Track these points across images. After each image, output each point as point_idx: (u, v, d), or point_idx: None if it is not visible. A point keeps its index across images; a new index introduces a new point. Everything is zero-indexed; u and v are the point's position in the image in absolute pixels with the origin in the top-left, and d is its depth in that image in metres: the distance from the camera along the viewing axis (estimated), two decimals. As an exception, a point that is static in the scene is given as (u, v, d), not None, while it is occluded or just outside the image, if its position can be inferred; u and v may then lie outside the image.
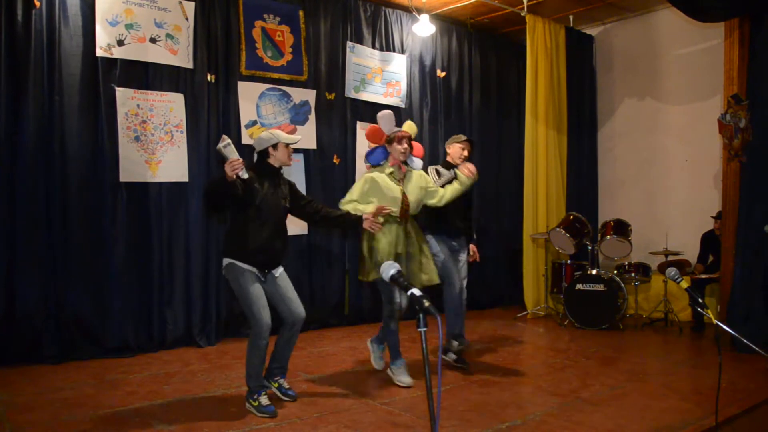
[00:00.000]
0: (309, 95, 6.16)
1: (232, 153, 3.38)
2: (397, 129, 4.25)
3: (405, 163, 4.28)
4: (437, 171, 4.79)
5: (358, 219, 3.94)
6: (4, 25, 4.58)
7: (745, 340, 3.01)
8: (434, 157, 7.23)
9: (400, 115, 6.90)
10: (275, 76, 5.94)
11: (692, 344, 5.81)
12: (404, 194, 4.17)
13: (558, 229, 6.47)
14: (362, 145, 6.56)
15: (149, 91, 5.20)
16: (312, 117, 6.17)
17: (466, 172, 4.43)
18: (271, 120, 5.91)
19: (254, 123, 5.82)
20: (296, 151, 6.03)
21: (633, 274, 6.51)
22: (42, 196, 4.73)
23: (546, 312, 7.12)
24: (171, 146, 5.29)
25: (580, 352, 5.32)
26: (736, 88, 5.57)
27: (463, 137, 4.85)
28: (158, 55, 5.22)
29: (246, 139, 5.72)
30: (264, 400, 3.60)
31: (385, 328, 4.22)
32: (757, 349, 2.96)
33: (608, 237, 6.44)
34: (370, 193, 4.16)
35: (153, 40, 5.20)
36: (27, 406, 3.69)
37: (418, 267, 4.21)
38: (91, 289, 4.91)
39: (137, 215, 5.15)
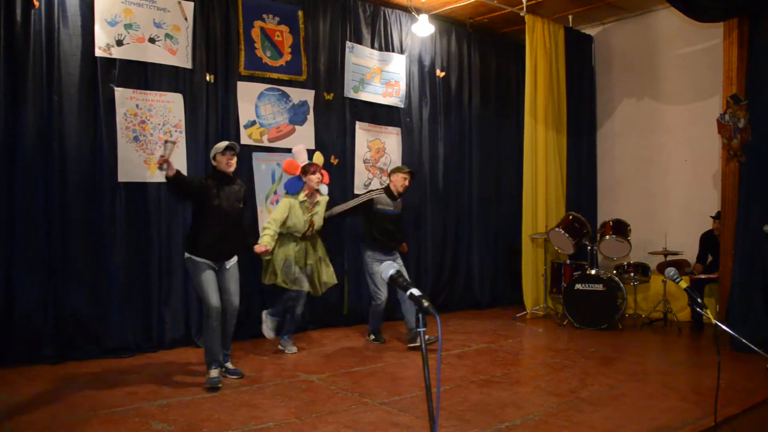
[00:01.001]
0: (308, 95, 6.16)
1: (165, 149, 3.96)
2: (310, 162, 5.10)
3: (317, 190, 5.13)
4: (370, 195, 5.60)
5: (250, 244, 4.79)
6: (3, 25, 4.57)
7: (744, 340, 3.02)
8: (433, 157, 7.24)
9: (399, 114, 6.91)
10: (274, 76, 5.94)
11: (691, 344, 5.82)
12: (311, 219, 5.10)
13: (557, 229, 6.47)
14: (361, 146, 6.57)
15: (148, 91, 5.20)
16: (311, 117, 6.17)
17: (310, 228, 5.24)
18: (270, 120, 5.91)
19: (253, 123, 5.82)
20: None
21: (632, 274, 6.51)
22: (41, 196, 4.72)
23: (545, 312, 7.13)
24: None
25: (579, 352, 5.32)
26: (735, 88, 5.57)
27: (406, 169, 5.61)
28: (157, 55, 5.22)
29: (245, 139, 5.72)
30: (213, 373, 4.17)
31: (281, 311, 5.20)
32: (755, 348, 2.96)
33: (607, 237, 6.44)
34: (287, 214, 4.99)
35: (152, 40, 5.20)
36: (26, 406, 3.68)
37: (320, 272, 5.24)
38: (90, 289, 4.90)
39: (136, 215, 5.15)
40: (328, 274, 5.31)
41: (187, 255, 4.28)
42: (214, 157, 4.35)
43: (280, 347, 5.22)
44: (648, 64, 7.65)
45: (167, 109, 5.28)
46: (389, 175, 5.68)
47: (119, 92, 5.04)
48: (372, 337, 5.74)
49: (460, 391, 4.13)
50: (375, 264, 5.37)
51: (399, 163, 6.69)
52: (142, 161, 5.14)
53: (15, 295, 4.61)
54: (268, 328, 5.16)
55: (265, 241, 4.80)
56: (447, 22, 7.36)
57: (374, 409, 3.74)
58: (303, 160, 5.13)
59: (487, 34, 7.84)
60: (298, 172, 5.07)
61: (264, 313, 5.21)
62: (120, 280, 5.03)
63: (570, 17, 7.68)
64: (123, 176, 5.05)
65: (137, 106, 5.13)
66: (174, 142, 4.03)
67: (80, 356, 4.80)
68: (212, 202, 4.23)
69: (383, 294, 5.49)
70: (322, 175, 5.13)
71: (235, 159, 4.36)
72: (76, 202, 4.87)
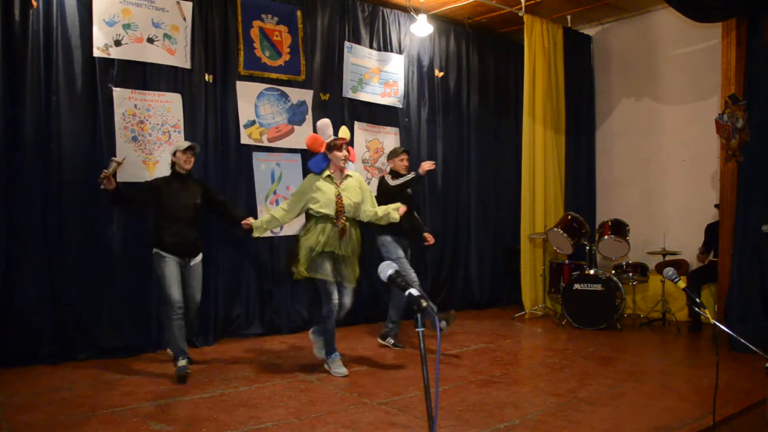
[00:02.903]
0: (307, 95, 6.16)
1: (109, 166, 4.22)
2: (335, 136, 4.51)
3: (344, 168, 4.57)
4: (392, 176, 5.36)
5: (237, 218, 4.68)
6: (1, 25, 4.56)
7: (742, 340, 3.01)
8: (432, 157, 7.23)
9: (397, 115, 6.91)
10: (273, 76, 5.94)
11: (690, 344, 5.82)
12: (339, 196, 4.40)
13: (556, 229, 6.47)
14: (360, 146, 6.57)
15: (147, 92, 5.19)
16: (309, 117, 6.17)
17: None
18: (269, 120, 5.91)
19: (252, 123, 5.81)
20: (294, 151, 6.07)
21: (631, 274, 6.51)
22: (39, 197, 4.72)
23: (544, 312, 7.13)
24: (168, 146, 5.26)
25: (578, 352, 5.32)
26: (734, 88, 5.58)
27: (400, 149, 5.53)
28: (156, 55, 5.22)
29: (245, 139, 5.72)
30: (180, 362, 4.31)
31: (323, 325, 4.53)
32: (754, 348, 2.96)
33: (606, 237, 6.45)
34: (306, 192, 4.45)
35: (150, 40, 5.19)
36: (24, 407, 3.68)
37: (350, 269, 4.51)
38: (88, 289, 4.90)
39: (135, 215, 5.13)
40: (356, 270, 4.58)
41: (154, 250, 4.44)
42: (174, 154, 4.52)
43: (325, 367, 4.59)
44: (646, 64, 7.65)
45: (166, 109, 5.28)
46: (388, 162, 5.53)
47: (117, 92, 5.03)
48: (391, 341, 5.44)
49: (458, 391, 4.12)
50: (398, 250, 5.21)
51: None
52: (140, 161, 5.14)
53: (13, 296, 4.60)
54: (317, 348, 4.72)
55: (257, 219, 4.61)
56: (445, 22, 7.36)
57: (373, 409, 3.74)
58: (328, 135, 4.51)
59: (486, 34, 7.84)
60: (323, 149, 4.48)
61: (310, 333, 4.79)
62: (119, 280, 5.03)
63: (569, 17, 7.69)
64: (122, 176, 5.00)
65: (136, 106, 5.13)
66: (119, 163, 4.29)
67: (78, 356, 4.79)
68: (165, 200, 4.42)
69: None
70: (348, 152, 4.52)
71: (192, 159, 4.55)
72: (75, 203, 4.86)
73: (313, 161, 4.55)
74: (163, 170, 5.22)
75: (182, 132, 5.34)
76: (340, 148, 4.43)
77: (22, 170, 4.65)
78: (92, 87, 4.94)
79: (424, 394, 1.84)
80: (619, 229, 6.49)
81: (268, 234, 4.79)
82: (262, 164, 5.86)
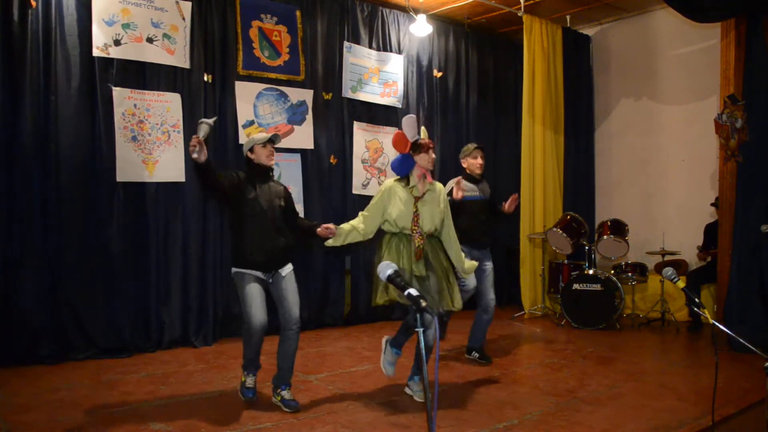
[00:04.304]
0: (306, 95, 6.16)
1: (200, 130, 3.42)
2: (421, 137, 3.89)
3: (430, 173, 3.96)
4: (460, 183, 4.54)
5: (312, 226, 3.84)
6: (0, 25, 4.56)
7: (741, 340, 3.01)
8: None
9: (397, 115, 6.91)
10: (272, 76, 5.94)
11: (689, 344, 5.82)
12: (416, 213, 3.79)
13: (555, 229, 6.48)
14: (359, 146, 6.57)
15: (146, 91, 5.19)
16: (309, 117, 6.17)
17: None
18: (269, 120, 5.91)
19: (251, 123, 5.81)
20: (293, 151, 6.06)
21: (630, 274, 6.52)
22: (38, 197, 4.71)
23: (543, 312, 7.13)
24: (168, 146, 5.28)
25: (577, 352, 5.32)
26: (733, 88, 5.58)
27: (472, 146, 4.87)
28: (155, 54, 5.22)
29: (244, 139, 5.71)
30: (249, 381, 3.84)
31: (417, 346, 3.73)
32: (753, 348, 2.96)
33: (605, 237, 6.45)
34: (386, 203, 3.82)
35: (150, 40, 5.19)
36: (24, 407, 3.68)
37: (437, 291, 3.78)
38: (87, 289, 4.89)
39: (134, 215, 5.14)
40: (449, 297, 3.82)
41: (234, 270, 3.72)
42: (252, 149, 3.78)
43: (407, 391, 4.03)
44: (646, 64, 7.65)
45: (165, 109, 5.28)
46: (461, 160, 4.91)
47: (117, 92, 5.03)
48: (476, 355, 4.87)
49: (458, 390, 4.13)
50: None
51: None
52: (140, 161, 5.13)
53: (13, 296, 4.60)
54: (386, 361, 4.06)
55: (336, 226, 3.79)
56: (445, 22, 7.36)
57: (372, 409, 3.74)
58: (413, 134, 3.88)
59: (485, 34, 7.84)
60: (407, 150, 3.85)
61: (384, 341, 4.12)
62: (118, 281, 5.03)
63: (568, 17, 7.69)
64: (121, 176, 5.04)
65: (135, 105, 5.12)
66: (210, 124, 3.49)
67: (78, 357, 4.80)
68: (249, 200, 3.67)
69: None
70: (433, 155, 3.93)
71: (274, 153, 3.85)
72: (74, 203, 4.86)
73: (396, 162, 3.91)
74: (162, 170, 5.23)
75: (181, 132, 5.34)
76: (427, 150, 3.85)
77: (21, 170, 4.64)
78: (91, 87, 4.94)
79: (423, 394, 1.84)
80: (618, 229, 6.50)
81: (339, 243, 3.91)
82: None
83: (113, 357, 4.88)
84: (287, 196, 3.87)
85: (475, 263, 4.11)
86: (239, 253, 3.69)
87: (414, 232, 3.77)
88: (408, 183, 3.85)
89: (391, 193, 3.83)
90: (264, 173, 3.80)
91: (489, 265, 4.86)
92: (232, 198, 3.70)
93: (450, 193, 4.33)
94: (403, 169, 3.88)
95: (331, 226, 3.77)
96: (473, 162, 4.82)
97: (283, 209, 3.79)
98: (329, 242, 3.83)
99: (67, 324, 4.81)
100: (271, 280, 3.74)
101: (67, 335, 4.81)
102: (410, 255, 3.74)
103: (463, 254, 4.06)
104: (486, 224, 4.83)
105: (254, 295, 3.62)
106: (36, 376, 4.34)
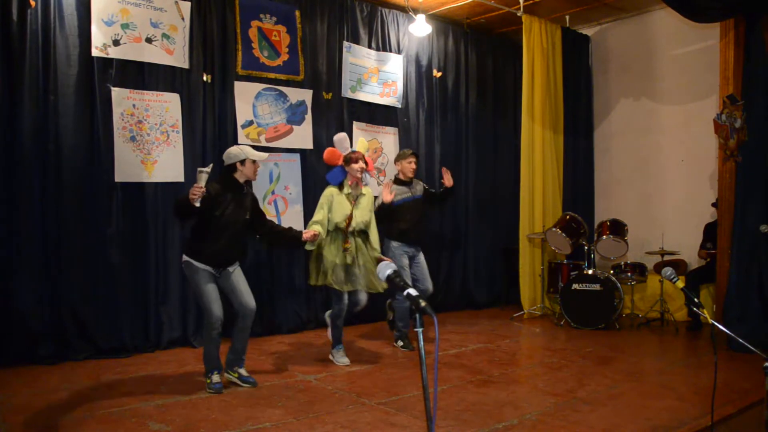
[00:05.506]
0: (305, 95, 6.16)
1: (200, 180, 3.74)
2: (352, 150, 4.73)
3: (361, 180, 4.75)
4: (391, 185, 5.29)
5: (298, 234, 4.36)
6: (-1, 25, 4.57)
7: (740, 340, 3.02)
8: (430, 157, 7.24)
9: (396, 115, 6.92)
10: (271, 76, 5.94)
11: (688, 344, 5.83)
12: (350, 214, 4.62)
13: (554, 229, 6.48)
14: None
15: (145, 91, 5.19)
16: (308, 117, 6.17)
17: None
18: (268, 120, 5.91)
19: (250, 123, 5.81)
20: (293, 151, 6.06)
21: (629, 273, 6.52)
22: (37, 197, 4.71)
23: (542, 312, 7.13)
24: (167, 146, 5.28)
25: (577, 352, 5.32)
26: (732, 88, 5.58)
27: (408, 152, 5.48)
28: (154, 55, 5.21)
29: (243, 139, 5.72)
30: (215, 378, 4.05)
31: (332, 324, 4.84)
32: (752, 348, 2.96)
33: (604, 237, 6.45)
34: (329, 206, 4.62)
35: (149, 40, 5.19)
36: (23, 407, 3.67)
37: (367, 273, 4.65)
38: (86, 289, 4.89)
39: (133, 216, 5.14)
40: (376, 281, 4.64)
41: (185, 258, 4.04)
42: (243, 162, 4.05)
43: (330, 357, 4.89)
44: (645, 64, 7.66)
45: (164, 109, 5.28)
46: (395, 164, 5.53)
47: (116, 92, 5.03)
48: (401, 343, 5.39)
49: (457, 391, 4.13)
50: (403, 257, 5.22)
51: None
52: (139, 161, 5.13)
53: (12, 296, 4.60)
54: (337, 355, 4.86)
55: (314, 228, 4.42)
56: (444, 22, 7.36)
57: (371, 409, 3.74)
58: (345, 148, 4.76)
59: (484, 34, 7.85)
60: (340, 162, 4.72)
61: (326, 315, 5.02)
62: (117, 281, 5.02)
63: (567, 17, 7.69)
64: (120, 176, 5.04)
65: (134, 106, 5.12)
66: (208, 172, 3.77)
67: (77, 357, 4.79)
68: (215, 216, 3.96)
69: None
70: (366, 163, 4.73)
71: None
72: (73, 203, 4.85)
73: (331, 174, 4.76)
74: (161, 170, 5.23)
75: (180, 132, 5.34)
76: (356, 161, 4.65)
77: (20, 170, 4.64)
78: (91, 87, 4.94)
79: (422, 394, 1.84)
80: (617, 229, 6.50)
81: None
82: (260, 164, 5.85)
83: (112, 357, 4.88)
84: (254, 208, 4.23)
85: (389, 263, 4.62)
86: (195, 248, 4.03)
87: (346, 228, 4.59)
88: (342, 189, 4.67)
89: (333, 198, 4.63)
90: (240, 188, 4.11)
91: (422, 257, 5.44)
92: (206, 211, 3.95)
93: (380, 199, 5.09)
94: (337, 178, 4.71)
95: (315, 230, 4.38)
96: (407, 166, 5.39)
97: (246, 222, 4.15)
98: (309, 246, 4.48)
99: (67, 324, 4.81)
100: (219, 275, 4.09)
101: (67, 335, 4.80)
102: (339, 247, 4.59)
103: (377, 236, 4.86)
104: (421, 223, 5.43)
105: (211, 291, 3.99)
106: (35, 377, 4.34)
